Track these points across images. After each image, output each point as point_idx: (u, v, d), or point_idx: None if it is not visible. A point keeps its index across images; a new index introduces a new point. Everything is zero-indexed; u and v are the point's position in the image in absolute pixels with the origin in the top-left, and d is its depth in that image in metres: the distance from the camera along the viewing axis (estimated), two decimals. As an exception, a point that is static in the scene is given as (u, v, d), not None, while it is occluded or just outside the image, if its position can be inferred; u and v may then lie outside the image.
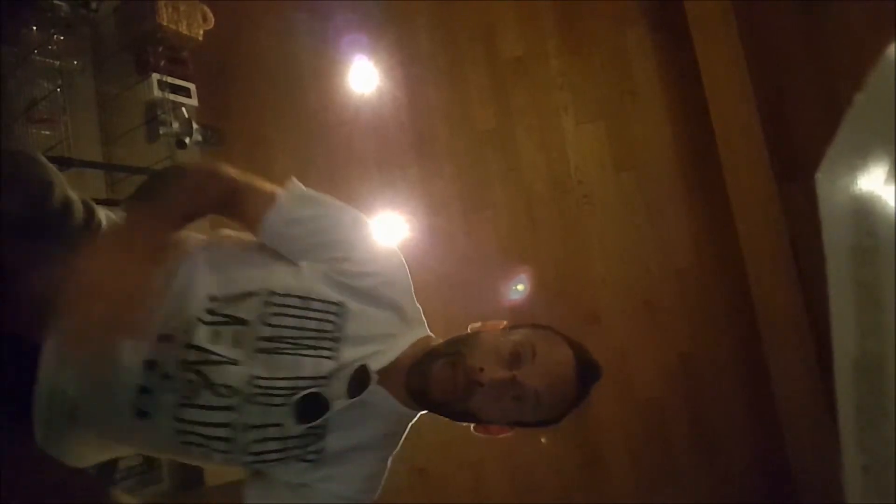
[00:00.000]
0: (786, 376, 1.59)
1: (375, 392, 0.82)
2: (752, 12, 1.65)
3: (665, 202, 1.85)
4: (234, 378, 0.77)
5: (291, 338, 0.81)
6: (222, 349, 0.78)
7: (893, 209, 0.22)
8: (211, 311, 0.78)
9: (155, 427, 0.77)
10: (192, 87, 1.84)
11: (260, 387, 0.77)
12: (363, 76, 2.02)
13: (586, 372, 0.83)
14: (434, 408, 0.84)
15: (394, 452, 0.89)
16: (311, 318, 0.82)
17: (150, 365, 0.75)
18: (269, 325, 0.79)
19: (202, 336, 0.77)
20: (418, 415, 0.87)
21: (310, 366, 0.80)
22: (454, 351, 0.82)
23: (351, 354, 0.81)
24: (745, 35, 1.67)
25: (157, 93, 1.74)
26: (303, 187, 0.88)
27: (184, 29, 1.76)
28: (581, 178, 1.92)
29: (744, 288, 1.67)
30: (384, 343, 0.85)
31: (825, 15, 1.30)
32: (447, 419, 0.84)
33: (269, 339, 0.79)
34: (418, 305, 0.90)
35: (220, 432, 0.78)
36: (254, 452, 0.80)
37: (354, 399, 0.80)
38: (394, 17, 2.03)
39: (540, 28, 1.99)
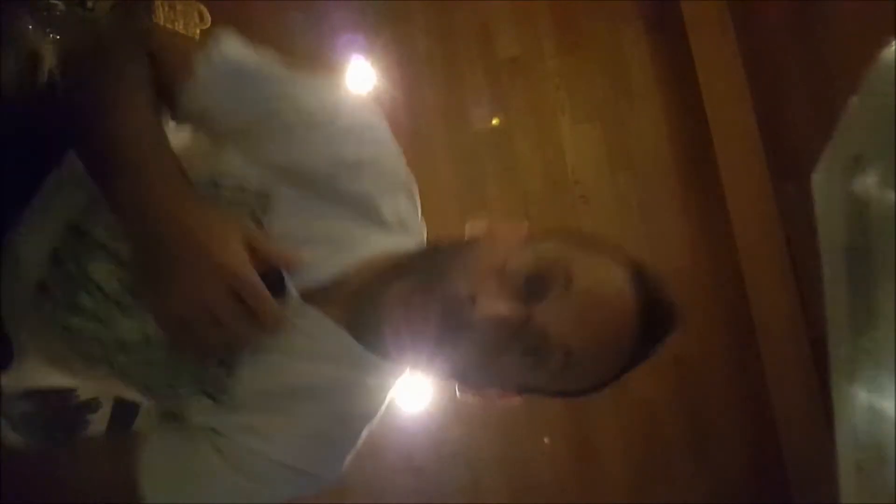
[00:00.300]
0: (781, 376, 1.60)
1: (307, 315, 0.59)
2: (748, 13, 1.66)
3: (661, 202, 1.86)
4: (104, 275, 0.58)
5: None
6: (103, 234, 0.59)
7: (887, 210, 0.22)
8: None
9: (46, 335, 0.61)
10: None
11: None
12: (360, 76, 2.02)
13: (653, 318, 0.54)
14: (394, 355, 0.58)
15: (369, 418, 0.64)
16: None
17: (55, 256, 0.60)
18: None
19: (93, 220, 0.60)
20: (397, 369, 0.62)
21: None
22: (431, 267, 0.57)
23: None
24: (742, 36, 1.67)
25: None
26: (232, 46, 0.63)
27: (181, 28, 1.76)
28: (578, 178, 1.93)
29: (739, 287, 1.67)
30: (330, 248, 0.61)
31: (820, 15, 1.30)
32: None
33: None
34: (414, 201, 0.67)
35: (95, 349, 0.60)
36: (144, 383, 0.62)
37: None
38: (390, 17, 2.03)
39: (536, 28, 2.00)
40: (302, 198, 0.61)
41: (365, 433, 0.65)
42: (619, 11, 1.94)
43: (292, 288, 0.58)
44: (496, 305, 0.52)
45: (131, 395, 0.67)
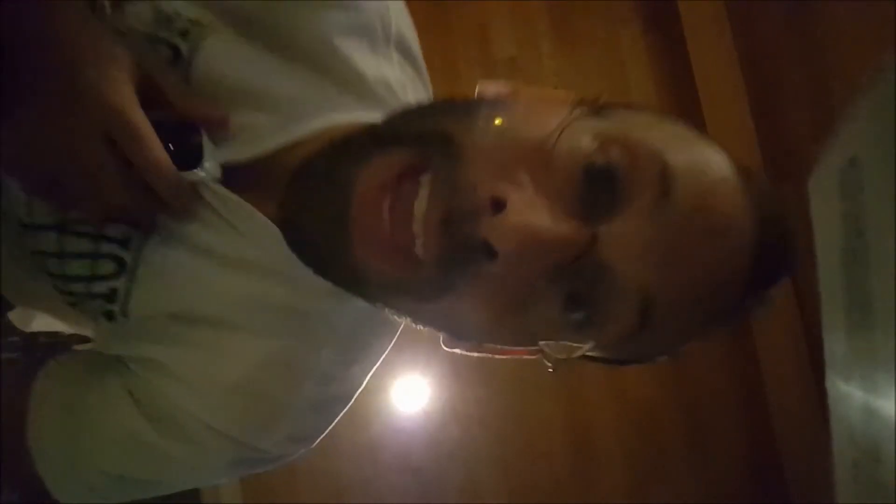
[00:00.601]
0: (778, 375, 1.60)
1: (231, 207, 0.40)
2: (745, 14, 1.66)
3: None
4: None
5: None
6: None
7: (883, 213, 0.22)
8: None
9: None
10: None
11: None
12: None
13: (769, 248, 0.35)
14: (357, 283, 0.38)
15: (332, 379, 0.46)
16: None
17: None
18: None
19: None
20: (365, 309, 0.42)
21: None
22: (426, 134, 0.35)
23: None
24: (739, 36, 1.68)
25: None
26: None
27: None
28: (575, 178, 1.93)
29: (736, 287, 1.68)
30: (274, 112, 0.42)
31: (818, 17, 1.31)
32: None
33: None
34: (422, 75, 0.50)
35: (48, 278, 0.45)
36: (61, 288, 0.45)
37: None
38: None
39: (534, 28, 2.00)
40: (247, 43, 0.43)
41: (341, 405, 0.48)
42: (616, 12, 1.94)
43: (212, 160, 0.40)
44: (538, 216, 0.31)
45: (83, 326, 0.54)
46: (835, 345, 0.28)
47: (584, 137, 0.34)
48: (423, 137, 0.35)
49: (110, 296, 0.43)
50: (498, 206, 0.32)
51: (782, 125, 1.55)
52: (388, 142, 0.36)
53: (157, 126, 0.39)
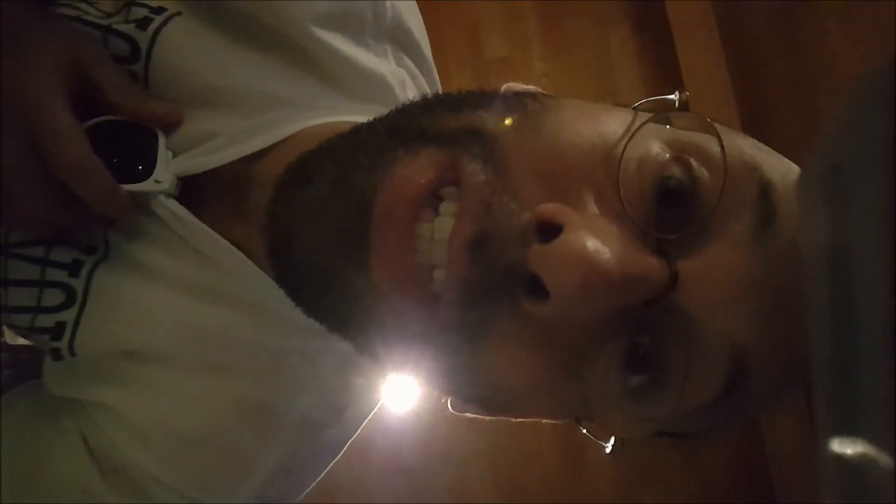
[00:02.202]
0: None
1: (188, 227, 0.35)
2: (733, 17, 1.68)
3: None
4: None
5: None
6: None
7: (865, 216, 0.23)
8: None
9: None
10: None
11: None
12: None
13: None
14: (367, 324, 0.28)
15: (314, 425, 0.40)
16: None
17: None
18: None
19: None
20: (353, 358, 0.37)
21: None
22: (460, 132, 0.27)
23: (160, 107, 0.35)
24: (726, 39, 1.69)
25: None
26: None
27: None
28: (565, 179, 1.94)
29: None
30: (245, 111, 0.36)
31: (805, 20, 1.32)
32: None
33: None
34: (428, 70, 0.43)
35: None
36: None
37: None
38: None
39: (525, 29, 2.00)
40: (213, 33, 0.37)
41: (327, 461, 0.44)
42: (606, 13, 1.95)
43: (167, 171, 0.34)
44: (605, 246, 0.23)
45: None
46: (821, 341, 0.28)
47: (654, 145, 0.26)
48: (456, 136, 0.27)
49: (56, 331, 0.37)
50: (551, 229, 0.24)
51: (770, 126, 1.56)
52: (414, 139, 0.27)
53: (109, 129, 0.34)
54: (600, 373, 0.27)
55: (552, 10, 1.99)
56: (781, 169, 0.28)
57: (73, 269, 0.37)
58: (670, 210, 0.26)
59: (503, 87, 0.34)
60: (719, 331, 0.25)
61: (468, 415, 0.35)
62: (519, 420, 0.35)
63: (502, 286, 0.25)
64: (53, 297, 0.37)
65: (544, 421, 0.34)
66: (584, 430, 0.33)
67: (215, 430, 0.37)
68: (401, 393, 1.65)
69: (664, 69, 1.84)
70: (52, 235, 0.37)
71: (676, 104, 0.32)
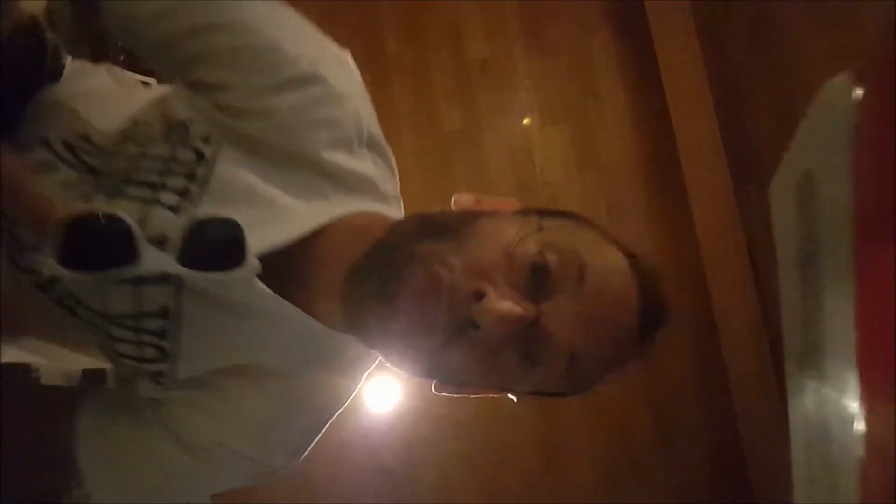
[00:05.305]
0: (742, 373, 1.64)
1: (251, 289, 0.48)
2: (711, 22, 1.70)
3: (627, 203, 1.89)
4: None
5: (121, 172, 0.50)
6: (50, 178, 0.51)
7: (833, 221, 0.24)
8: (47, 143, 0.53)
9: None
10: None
11: None
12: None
13: (651, 311, 0.50)
14: (382, 341, 0.51)
15: (332, 410, 0.60)
16: (151, 156, 0.50)
17: None
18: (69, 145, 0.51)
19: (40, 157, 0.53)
20: (366, 359, 0.59)
21: (133, 213, 0.44)
22: (433, 243, 0.49)
23: (214, 212, 0.47)
24: (705, 44, 1.71)
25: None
26: None
27: None
28: (547, 179, 1.95)
29: (702, 287, 1.71)
30: (282, 210, 0.52)
31: (781, 26, 1.34)
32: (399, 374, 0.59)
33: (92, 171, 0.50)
34: (388, 161, 0.60)
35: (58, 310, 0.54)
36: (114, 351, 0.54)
37: (199, 274, 0.44)
38: (359, 16, 2.02)
39: (506, 31, 2.01)
40: (254, 154, 0.52)
41: (328, 424, 0.60)
42: (587, 16, 1.97)
43: (251, 255, 0.45)
44: (505, 303, 0.45)
45: (98, 360, 0.61)
46: (792, 337, 0.30)
47: (531, 245, 0.48)
48: (428, 257, 0.48)
49: (157, 374, 0.53)
50: (481, 295, 0.46)
51: (746, 130, 1.59)
52: (409, 261, 0.48)
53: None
54: (509, 363, 0.49)
55: (534, 14, 2.00)
56: (596, 255, 0.49)
57: (160, 334, 0.52)
58: (537, 279, 0.47)
59: (453, 200, 0.55)
60: (562, 340, 0.47)
61: (444, 393, 0.57)
62: (476, 396, 0.58)
63: (461, 325, 0.47)
64: (150, 352, 0.52)
65: (491, 396, 0.57)
66: (507, 395, 0.56)
67: (270, 416, 0.57)
68: (382, 394, 1.65)
69: (644, 71, 1.86)
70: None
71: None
